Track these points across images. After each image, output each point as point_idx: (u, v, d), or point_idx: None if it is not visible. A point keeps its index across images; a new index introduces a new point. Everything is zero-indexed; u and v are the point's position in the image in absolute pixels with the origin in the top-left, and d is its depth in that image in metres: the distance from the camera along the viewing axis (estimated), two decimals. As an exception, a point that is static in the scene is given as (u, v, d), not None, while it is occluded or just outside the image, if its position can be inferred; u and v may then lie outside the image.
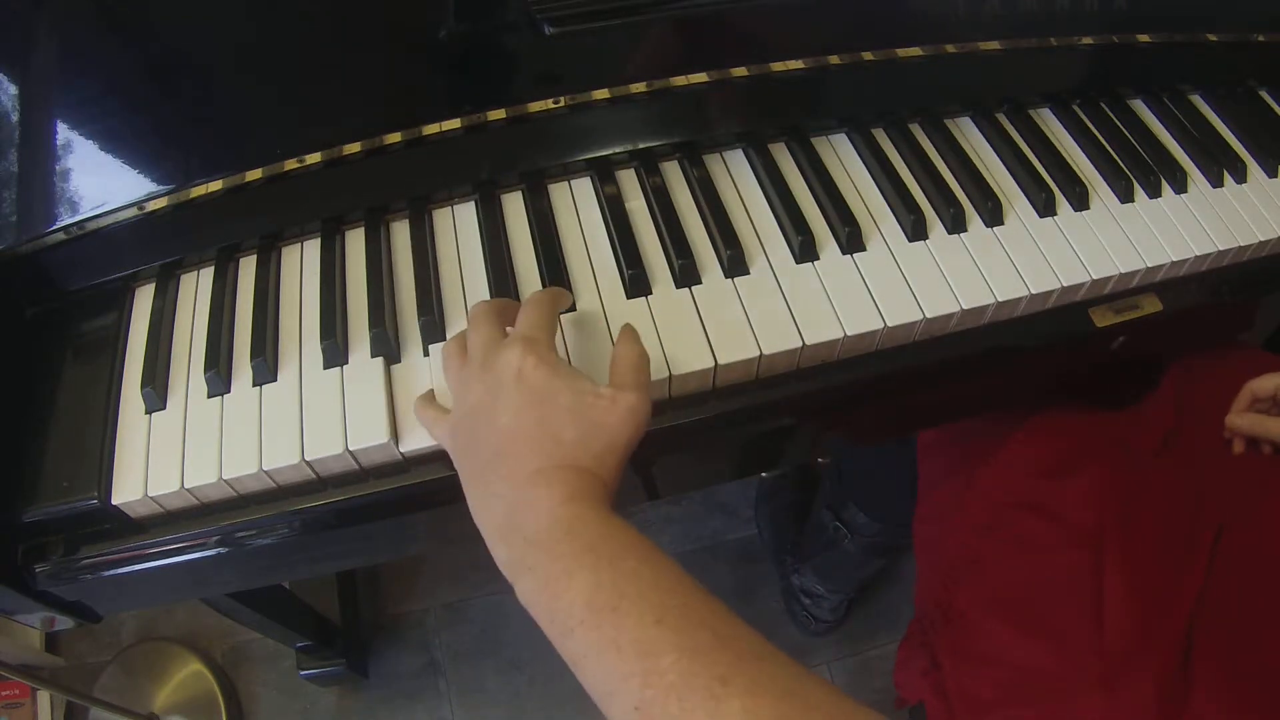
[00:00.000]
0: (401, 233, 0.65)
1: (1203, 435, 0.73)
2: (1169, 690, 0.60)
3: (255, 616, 0.99)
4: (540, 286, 0.61)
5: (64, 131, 0.59)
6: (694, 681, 0.36)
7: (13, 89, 0.59)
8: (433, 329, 0.59)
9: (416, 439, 0.56)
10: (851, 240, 0.64)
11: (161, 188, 0.59)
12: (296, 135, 0.61)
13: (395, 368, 0.59)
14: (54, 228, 0.59)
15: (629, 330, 0.54)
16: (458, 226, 0.66)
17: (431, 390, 0.56)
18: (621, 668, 0.38)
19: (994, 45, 0.70)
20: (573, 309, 0.60)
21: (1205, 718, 0.58)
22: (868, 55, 0.68)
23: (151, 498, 0.55)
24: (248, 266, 0.64)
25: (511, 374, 0.47)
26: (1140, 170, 0.70)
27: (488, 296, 0.61)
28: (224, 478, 0.55)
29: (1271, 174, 0.73)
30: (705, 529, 1.45)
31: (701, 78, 0.66)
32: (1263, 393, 0.68)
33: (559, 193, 0.67)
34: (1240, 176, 0.72)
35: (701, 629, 0.38)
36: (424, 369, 0.58)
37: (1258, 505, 0.67)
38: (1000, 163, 0.71)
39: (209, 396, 0.58)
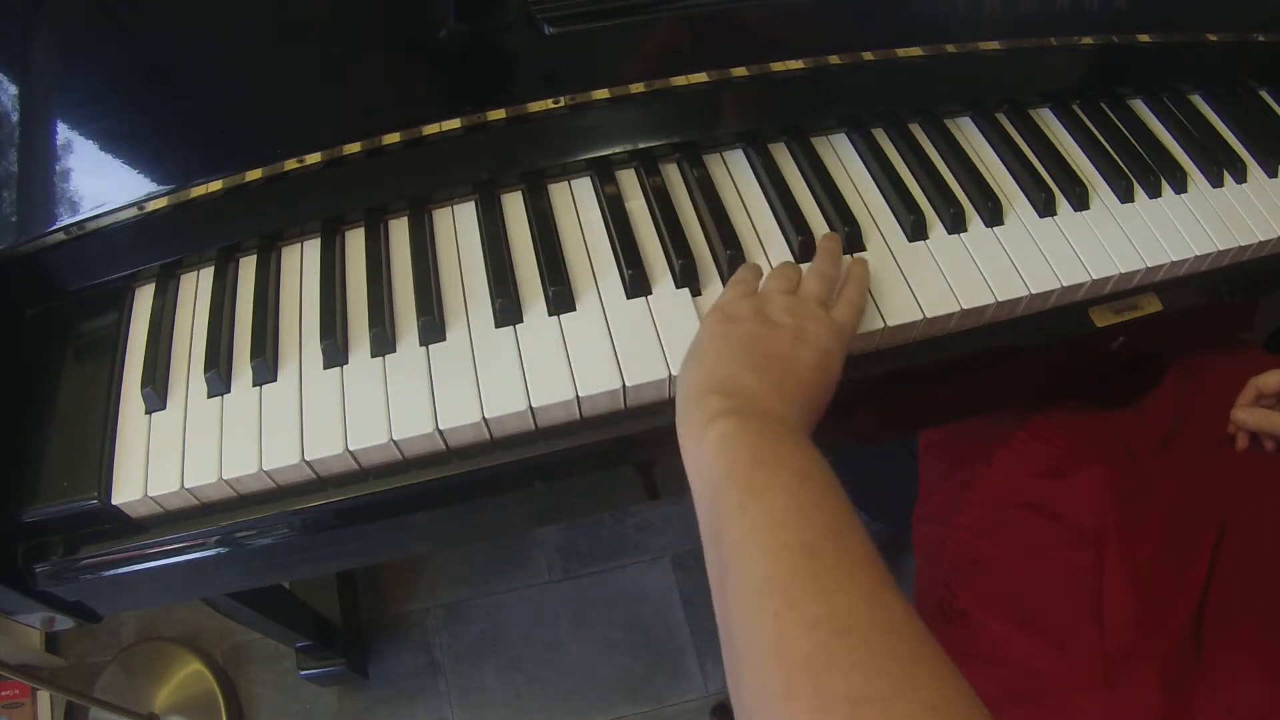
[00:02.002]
0: (401, 233, 0.65)
1: (1203, 434, 0.73)
2: (1173, 687, 0.60)
3: (255, 616, 0.99)
4: (540, 286, 0.61)
5: (64, 131, 0.59)
6: (867, 566, 0.39)
7: (13, 89, 0.59)
8: (433, 329, 0.59)
9: (404, 433, 0.56)
10: (851, 240, 0.64)
11: (161, 188, 0.59)
12: (296, 135, 0.61)
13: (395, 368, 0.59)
14: (54, 228, 0.59)
15: (859, 282, 0.60)
16: (458, 226, 0.66)
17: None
18: (814, 516, 0.41)
19: (994, 45, 0.70)
20: (574, 310, 0.60)
21: (1214, 714, 0.58)
22: (868, 55, 0.69)
23: (151, 498, 0.55)
24: (248, 266, 0.64)
25: (828, 341, 0.53)
26: (1140, 170, 0.70)
27: (487, 297, 0.61)
28: (224, 478, 0.55)
29: (1271, 174, 0.73)
30: (705, 529, 1.45)
31: (701, 78, 0.66)
32: (1268, 389, 0.68)
33: (559, 193, 0.67)
34: (1240, 176, 0.72)
35: (872, 549, 0.41)
36: (423, 368, 0.58)
37: (1261, 502, 0.67)
38: (1000, 163, 0.71)
39: (209, 396, 0.58)
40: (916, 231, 0.65)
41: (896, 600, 0.39)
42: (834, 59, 0.68)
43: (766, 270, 0.61)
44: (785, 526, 0.40)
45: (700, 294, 0.62)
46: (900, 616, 0.38)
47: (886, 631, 0.37)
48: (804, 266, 0.60)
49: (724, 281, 0.62)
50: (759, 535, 0.41)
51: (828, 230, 0.65)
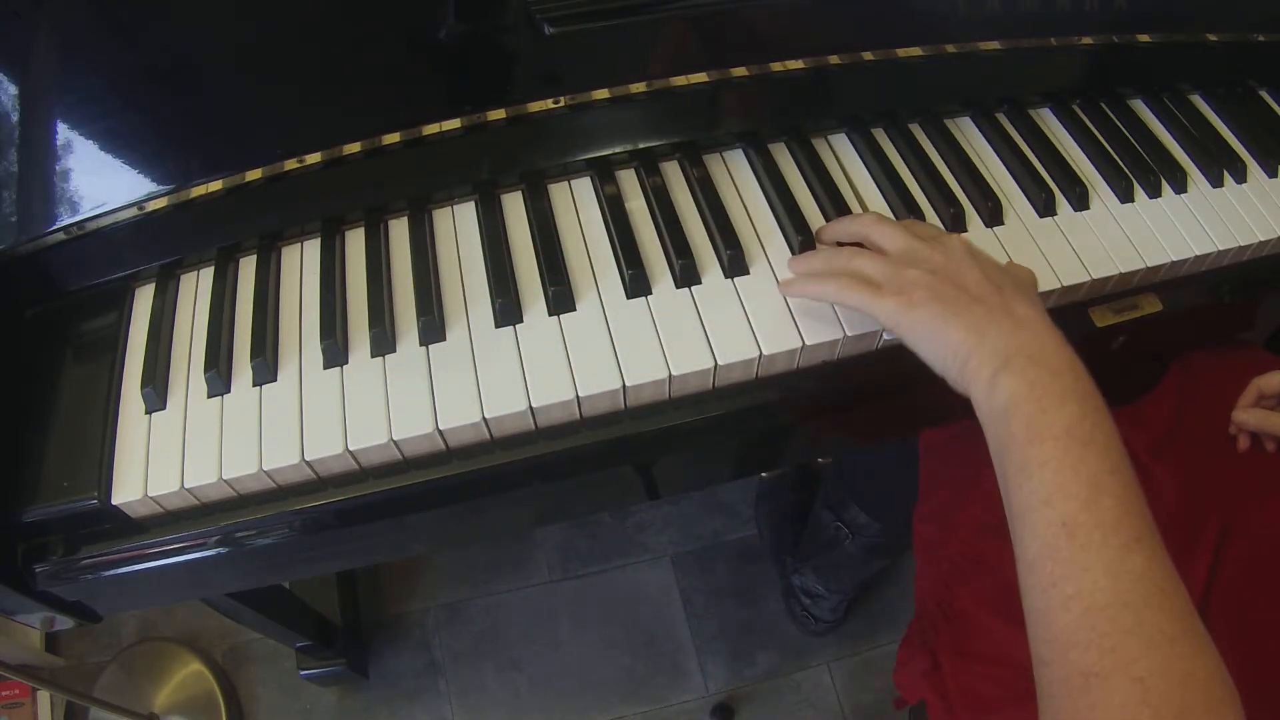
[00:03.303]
0: (401, 233, 0.65)
1: (1204, 434, 0.73)
2: None
3: (255, 616, 0.99)
4: (540, 285, 0.61)
5: (64, 131, 0.59)
6: (1119, 528, 0.44)
7: (13, 89, 0.59)
8: (433, 329, 0.59)
9: (404, 433, 0.56)
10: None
11: (161, 188, 0.60)
12: (296, 135, 0.61)
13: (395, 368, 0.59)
14: (54, 228, 0.59)
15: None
16: (458, 226, 0.66)
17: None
18: (1070, 488, 0.45)
19: (994, 45, 0.70)
20: (574, 310, 0.60)
21: None
22: (868, 55, 0.69)
23: (151, 498, 0.55)
24: (248, 266, 0.64)
25: (959, 248, 0.56)
26: (1140, 170, 0.70)
27: (487, 297, 0.61)
28: (224, 478, 0.55)
29: (1271, 174, 0.73)
30: (705, 529, 1.45)
31: (701, 78, 0.66)
32: (1269, 389, 0.68)
33: (559, 193, 0.67)
34: (1240, 176, 0.72)
35: (1136, 499, 0.46)
36: (423, 368, 0.58)
37: (1263, 502, 0.67)
38: (1000, 163, 0.71)
39: (209, 396, 0.58)
40: (916, 231, 0.65)
41: (1139, 561, 0.44)
42: (834, 59, 0.68)
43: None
44: (1050, 504, 0.46)
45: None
46: (1137, 580, 0.43)
47: (1123, 605, 0.42)
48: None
49: (724, 280, 0.62)
50: (1027, 515, 0.46)
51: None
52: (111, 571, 0.58)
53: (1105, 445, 0.47)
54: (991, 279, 0.53)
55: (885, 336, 0.61)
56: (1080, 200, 0.68)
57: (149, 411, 0.58)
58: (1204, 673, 0.41)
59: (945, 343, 0.52)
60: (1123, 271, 0.64)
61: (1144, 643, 0.41)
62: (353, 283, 0.63)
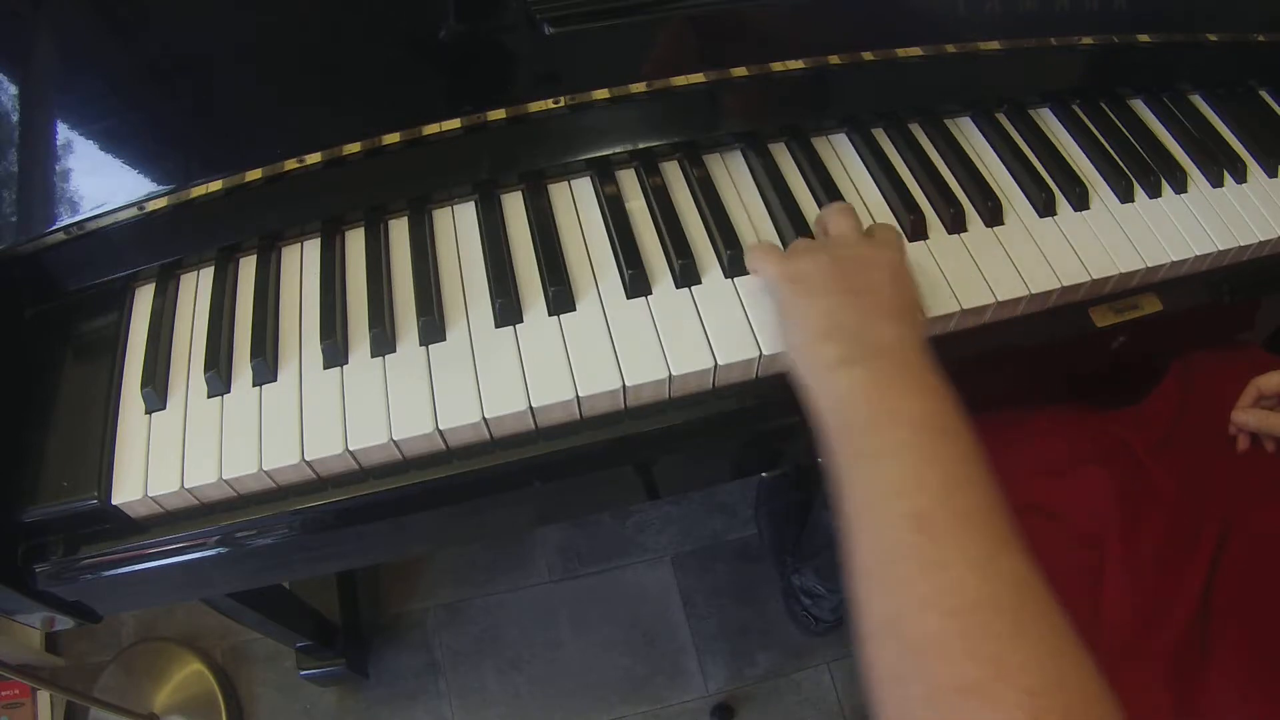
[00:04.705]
0: (401, 233, 0.65)
1: (1204, 434, 0.73)
2: (1180, 684, 0.60)
3: (255, 616, 0.99)
4: (540, 285, 0.61)
5: (64, 131, 0.59)
6: (986, 525, 0.39)
7: (13, 89, 0.59)
8: (433, 329, 0.59)
9: (404, 432, 0.56)
10: (851, 240, 0.64)
11: (161, 188, 0.60)
12: (296, 135, 0.61)
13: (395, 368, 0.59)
14: (54, 228, 0.59)
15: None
16: (458, 226, 0.66)
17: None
18: (926, 477, 0.41)
19: (994, 45, 0.70)
20: (574, 310, 0.60)
21: (1224, 709, 0.58)
22: (868, 55, 0.69)
23: (151, 498, 0.55)
24: (248, 266, 0.64)
25: (888, 254, 0.54)
26: (1140, 170, 0.70)
27: (487, 297, 0.61)
28: (224, 478, 0.55)
29: (1271, 174, 0.73)
30: (705, 529, 1.45)
31: (701, 78, 0.66)
32: (1269, 389, 0.68)
33: (559, 193, 0.67)
34: (1240, 176, 0.72)
35: (1000, 499, 0.41)
36: (423, 368, 0.58)
37: (1263, 502, 0.67)
38: (1000, 163, 0.71)
39: (209, 396, 0.58)
40: (916, 231, 0.65)
41: (1008, 563, 0.38)
42: (834, 59, 0.68)
43: None
44: (897, 495, 0.41)
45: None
46: (1010, 583, 0.38)
47: (996, 608, 0.37)
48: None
49: (724, 280, 0.62)
50: (870, 509, 0.41)
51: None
52: (111, 571, 0.58)
53: (963, 436, 0.43)
54: (885, 290, 0.51)
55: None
56: (1080, 200, 0.68)
57: (149, 411, 0.58)
58: (1096, 686, 0.37)
59: (803, 320, 0.51)
60: (1123, 271, 0.64)
61: (1030, 651, 0.36)
62: (353, 283, 0.63)
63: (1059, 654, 0.36)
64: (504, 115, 0.64)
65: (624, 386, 0.57)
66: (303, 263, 0.65)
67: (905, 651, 0.37)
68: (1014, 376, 0.74)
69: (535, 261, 0.63)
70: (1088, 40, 0.73)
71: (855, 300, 0.51)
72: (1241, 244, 0.67)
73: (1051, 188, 0.68)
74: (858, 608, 0.40)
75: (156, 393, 0.58)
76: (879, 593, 0.39)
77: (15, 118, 0.59)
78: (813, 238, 0.64)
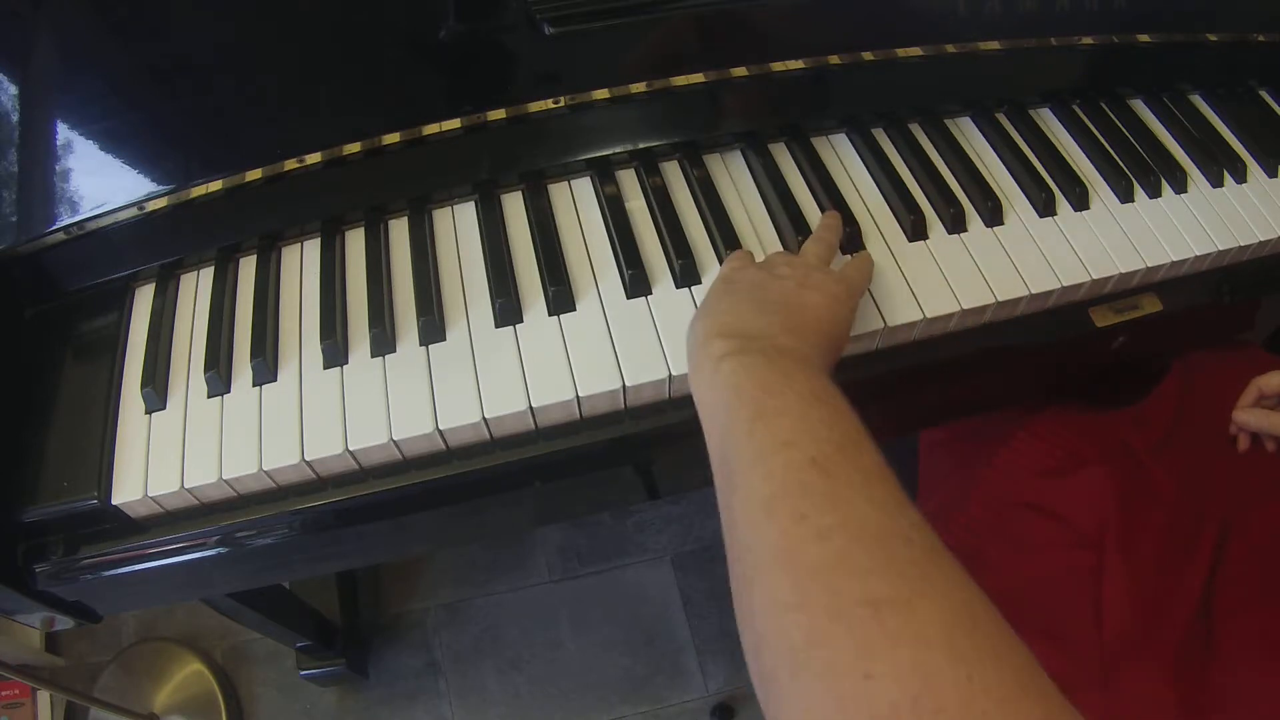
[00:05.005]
0: (401, 233, 0.65)
1: (1204, 434, 0.73)
2: (1183, 681, 0.60)
3: (255, 616, 0.99)
4: (540, 286, 0.61)
5: (64, 131, 0.59)
6: (884, 481, 0.38)
7: (13, 89, 0.59)
8: (433, 329, 0.59)
9: (404, 432, 0.56)
10: (851, 240, 0.64)
11: (161, 188, 0.60)
12: (296, 135, 0.61)
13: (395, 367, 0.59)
14: (54, 228, 0.59)
15: (863, 258, 0.60)
16: (458, 226, 0.66)
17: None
18: (819, 432, 0.39)
19: (994, 45, 0.70)
20: (574, 310, 0.60)
21: (1229, 704, 0.58)
22: (868, 55, 0.69)
23: (151, 498, 0.55)
24: (248, 266, 0.64)
25: (836, 287, 0.53)
26: (1140, 170, 0.70)
27: (487, 297, 0.61)
28: (224, 478, 0.55)
29: (1271, 174, 0.73)
30: (705, 529, 1.45)
31: (701, 78, 0.66)
32: (1270, 389, 0.68)
33: (559, 193, 0.67)
34: (1240, 176, 0.72)
35: (894, 475, 0.39)
36: (423, 368, 0.58)
37: (1263, 502, 0.67)
38: (1000, 163, 0.71)
39: (209, 396, 0.58)
40: (916, 231, 0.65)
41: (911, 510, 0.37)
42: (834, 59, 0.68)
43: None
44: (793, 445, 0.39)
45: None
46: (916, 522, 0.37)
47: (905, 540, 0.35)
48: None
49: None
50: (766, 457, 0.39)
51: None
52: (111, 571, 0.58)
53: (852, 414, 0.42)
54: (806, 313, 0.50)
55: (880, 340, 0.61)
56: (1080, 200, 0.68)
57: (149, 411, 0.58)
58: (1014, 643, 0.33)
59: (705, 315, 0.50)
60: (1123, 271, 0.64)
61: (948, 576, 0.34)
62: (353, 283, 0.63)
63: (970, 587, 0.34)
64: (504, 115, 0.64)
65: (624, 386, 0.57)
66: (303, 263, 0.65)
67: (806, 576, 0.34)
68: (1014, 376, 0.74)
69: (535, 261, 0.63)
70: (1088, 40, 0.73)
71: (769, 310, 0.49)
72: (1241, 244, 0.67)
73: (1051, 188, 0.68)
74: (739, 562, 0.38)
75: (156, 393, 0.58)
76: (772, 531, 0.37)
77: (15, 118, 0.59)
78: (813, 237, 0.64)
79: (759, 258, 0.63)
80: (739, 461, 0.40)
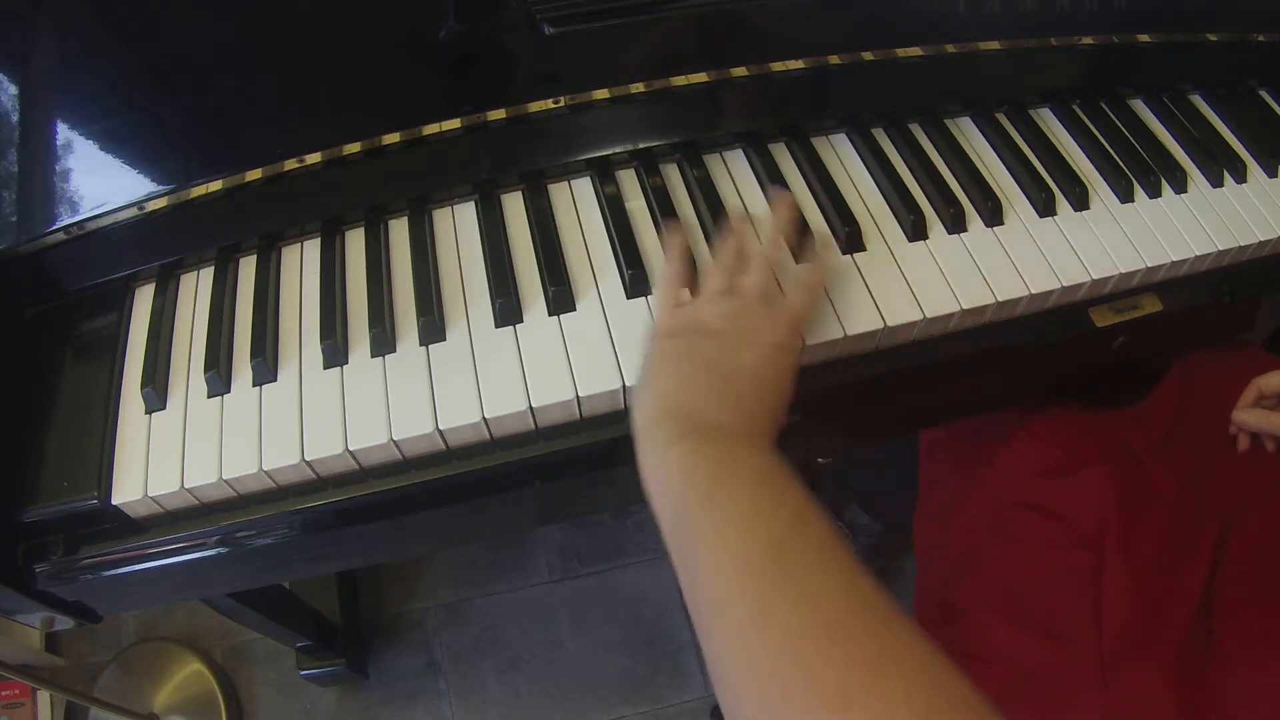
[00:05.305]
0: (401, 233, 0.65)
1: (1204, 434, 0.73)
2: (1183, 681, 0.60)
3: (255, 616, 0.99)
4: (540, 285, 0.61)
5: (64, 131, 0.59)
6: (837, 553, 0.40)
7: (13, 89, 0.59)
8: (433, 329, 0.59)
9: (404, 432, 0.56)
10: (851, 240, 0.64)
11: (161, 188, 0.60)
12: (296, 135, 0.61)
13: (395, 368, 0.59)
14: (54, 228, 0.59)
15: (811, 286, 0.57)
16: (458, 226, 0.66)
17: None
18: (776, 514, 0.41)
19: (994, 45, 0.70)
20: (574, 310, 0.60)
21: (1230, 704, 0.58)
22: (868, 55, 0.69)
23: (151, 498, 0.55)
24: (248, 266, 0.64)
25: (775, 335, 0.52)
26: (1140, 170, 0.70)
27: (487, 297, 0.61)
28: (224, 478, 0.55)
29: (1271, 174, 0.73)
30: (705, 529, 1.45)
31: (701, 78, 0.66)
32: (1269, 389, 0.68)
33: (559, 193, 0.67)
34: (1240, 176, 0.72)
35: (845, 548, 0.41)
36: (423, 368, 0.58)
37: (1263, 502, 0.67)
38: (1000, 163, 0.71)
39: (209, 396, 0.58)
40: (916, 231, 0.65)
41: (865, 578, 0.39)
42: (834, 59, 0.68)
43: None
44: (747, 528, 0.41)
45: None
46: (870, 590, 0.39)
47: (862, 605, 0.38)
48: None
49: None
50: (723, 541, 0.41)
51: (825, 231, 0.65)
52: (111, 571, 0.58)
53: (797, 486, 0.43)
54: (745, 379, 0.50)
55: (880, 340, 0.61)
56: (1080, 200, 0.68)
57: (149, 411, 0.58)
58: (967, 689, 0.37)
59: (651, 391, 0.50)
60: (1123, 271, 0.64)
61: (901, 638, 0.37)
62: (353, 283, 0.63)
63: (927, 651, 0.37)
64: (504, 115, 0.64)
65: (624, 386, 0.57)
66: (303, 263, 0.65)
67: (787, 682, 0.36)
68: (1014, 376, 0.74)
69: (535, 261, 0.63)
70: (1088, 40, 0.73)
71: (710, 383, 0.49)
72: (1241, 244, 0.67)
73: (1051, 188, 0.68)
74: (709, 645, 0.40)
75: (156, 393, 0.58)
76: (736, 623, 0.39)
77: (15, 118, 0.59)
78: (813, 238, 0.64)
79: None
80: (697, 549, 0.42)
